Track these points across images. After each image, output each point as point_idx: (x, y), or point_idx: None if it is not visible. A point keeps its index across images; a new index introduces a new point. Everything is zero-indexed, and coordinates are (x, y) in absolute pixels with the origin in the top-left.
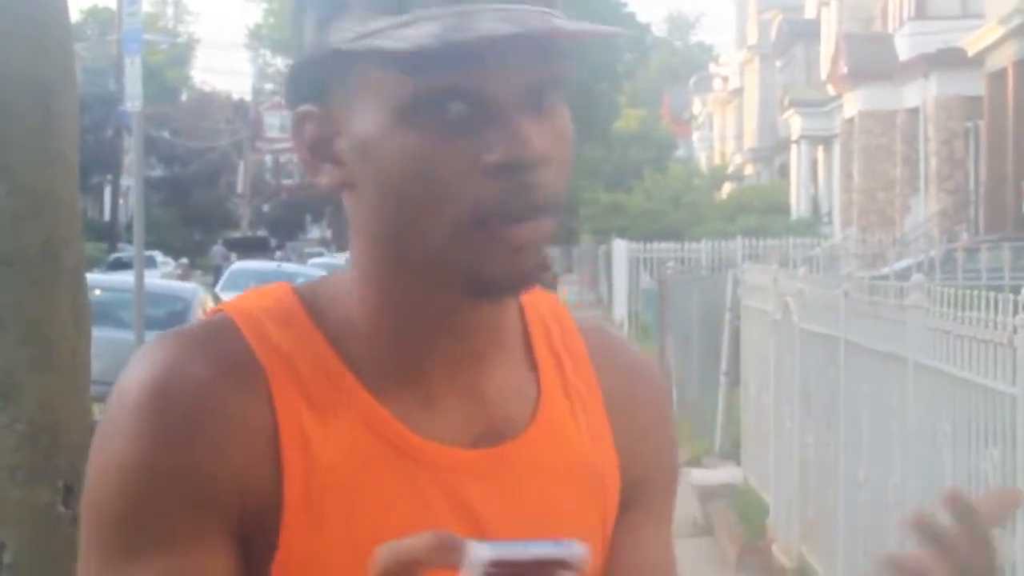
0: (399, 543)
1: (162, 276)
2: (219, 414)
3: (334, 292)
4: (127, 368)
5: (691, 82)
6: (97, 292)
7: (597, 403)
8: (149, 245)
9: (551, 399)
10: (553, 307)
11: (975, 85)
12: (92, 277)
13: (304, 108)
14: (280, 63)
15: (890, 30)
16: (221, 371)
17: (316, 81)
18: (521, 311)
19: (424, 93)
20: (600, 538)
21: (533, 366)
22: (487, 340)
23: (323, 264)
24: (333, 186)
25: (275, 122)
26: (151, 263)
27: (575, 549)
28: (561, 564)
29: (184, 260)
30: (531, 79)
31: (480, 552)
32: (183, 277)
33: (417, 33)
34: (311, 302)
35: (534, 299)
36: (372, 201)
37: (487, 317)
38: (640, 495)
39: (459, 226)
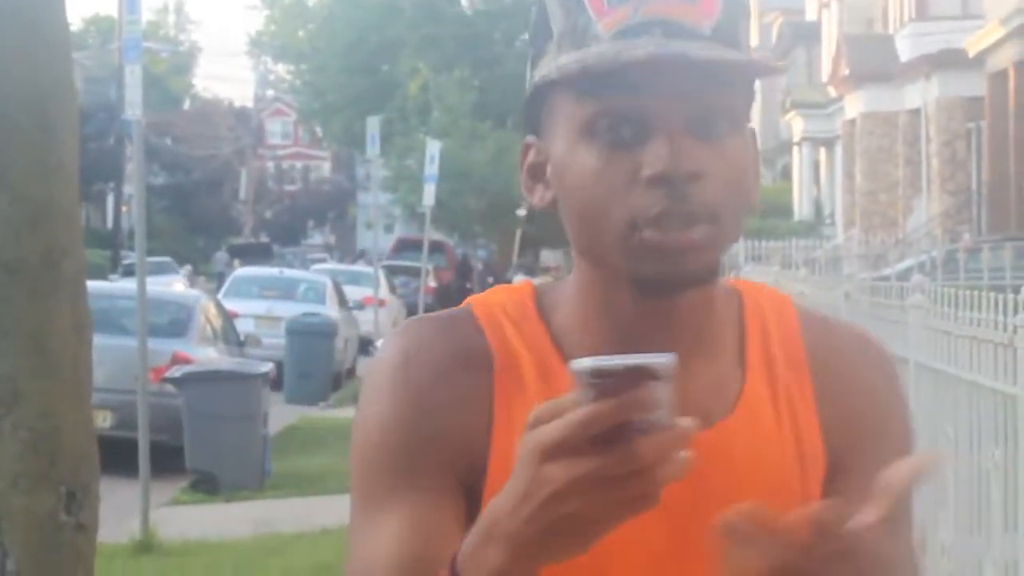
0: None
1: (187, 278)
2: (450, 388)
3: (561, 295)
4: (381, 345)
5: None
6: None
7: (807, 397)
8: (152, 252)
9: (753, 395)
10: (777, 303)
11: (976, 86)
12: (93, 284)
13: (528, 139)
14: (281, 70)
15: (891, 31)
16: (455, 354)
17: (532, 115)
18: (741, 308)
19: (595, 114)
20: None
21: (743, 363)
22: (689, 339)
23: (326, 270)
24: (542, 204)
25: (277, 129)
26: (171, 269)
27: (662, 359)
28: (651, 373)
29: (187, 267)
30: (695, 106)
31: (581, 364)
32: (187, 284)
33: (583, 57)
34: (543, 303)
35: (758, 295)
36: (566, 214)
37: (682, 316)
38: (851, 460)
39: (621, 233)
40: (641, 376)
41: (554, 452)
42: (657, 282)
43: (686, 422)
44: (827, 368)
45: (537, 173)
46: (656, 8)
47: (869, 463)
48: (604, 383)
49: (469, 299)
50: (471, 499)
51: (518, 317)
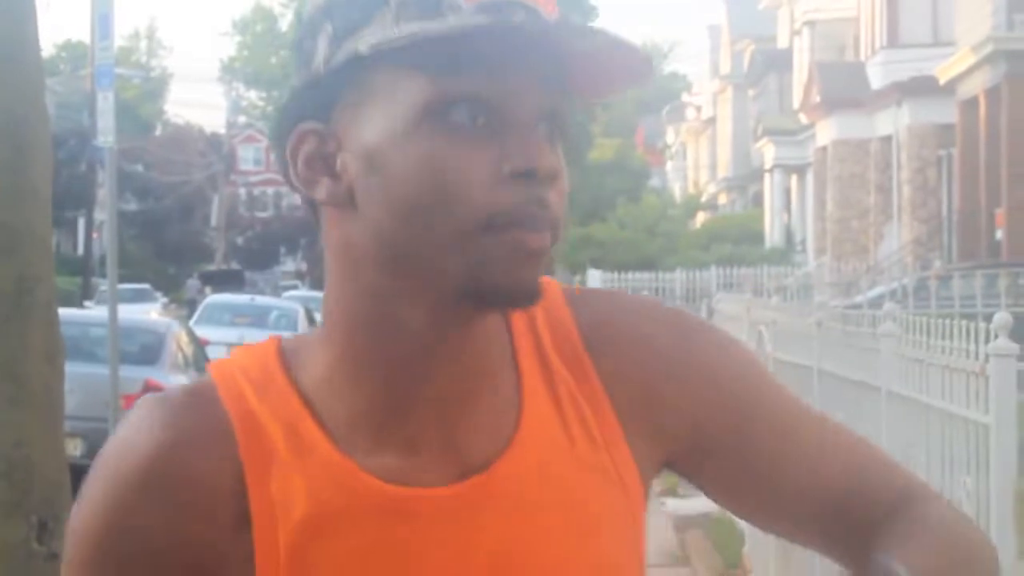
0: None
1: (162, 308)
2: (182, 480)
3: (310, 346)
4: (116, 431)
5: (664, 112)
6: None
7: (594, 393)
8: (123, 279)
9: (533, 419)
10: (547, 306)
11: (947, 113)
12: (65, 311)
13: (305, 126)
14: (254, 96)
15: (862, 58)
16: (190, 438)
17: (321, 99)
18: (508, 327)
19: (443, 95)
20: (631, 536)
21: (519, 385)
22: (468, 372)
23: (298, 297)
24: (330, 199)
25: (249, 155)
26: (150, 297)
27: None
28: None
29: (159, 294)
30: (548, 102)
31: None
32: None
33: (444, 25)
34: (290, 360)
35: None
36: (372, 213)
37: (474, 345)
38: (719, 431)
39: (468, 232)
40: None
41: None
42: (500, 289)
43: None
44: (607, 351)
45: (319, 165)
46: None
47: (715, 427)
48: None
49: (210, 365)
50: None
51: (263, 380)
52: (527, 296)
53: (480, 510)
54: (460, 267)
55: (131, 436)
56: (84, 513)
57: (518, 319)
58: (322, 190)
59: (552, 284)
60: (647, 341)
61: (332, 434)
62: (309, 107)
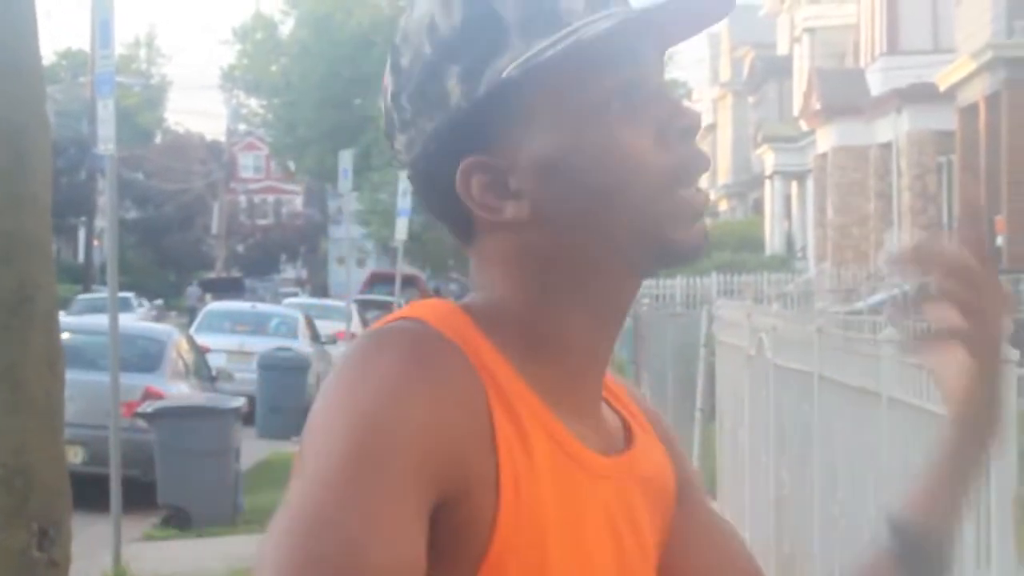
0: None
1: (139, 318)
2: (458, 405)
3: (493, 316)
4: (379, 341)
5: None
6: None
7: (646, 425)
8: (124, 287)
9: (629, 420)
10: None
11: (947, 120)
12: (65, 319)
13: (470, 160)
14: (254, 104)
15: (862, 65)
16: (459, 372)
17: (473, 132)
18: None
19: (606, 89)
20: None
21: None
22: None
23: (298, 304)
24: (520, 217)
25: (249, 163)
26: (126, 306)
27: None
28: None
29: (159, 301)
30: (663, 67)
31: None
32: (158, 318)
33: (601, 25)
34: (483, 327)
35: None
36: (556, 218)
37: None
38: (687, 492)
39: (659, 192)
40: None
41: None
42: (683, 246)
43: None
44: (633, 396)
45: (496, 191)
46: None
47: (688, 472)
48: None
49: (405, 314)
50: (470, 533)
51: (469, 338)
52: (701, 251)
53: (632, 478)
54: (651, 230)
55: (425, 354)
56: (404, 408)
57: None
58: (509, 212)
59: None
60: (655, 415)
61: (541, 398)
62: (462, 143)
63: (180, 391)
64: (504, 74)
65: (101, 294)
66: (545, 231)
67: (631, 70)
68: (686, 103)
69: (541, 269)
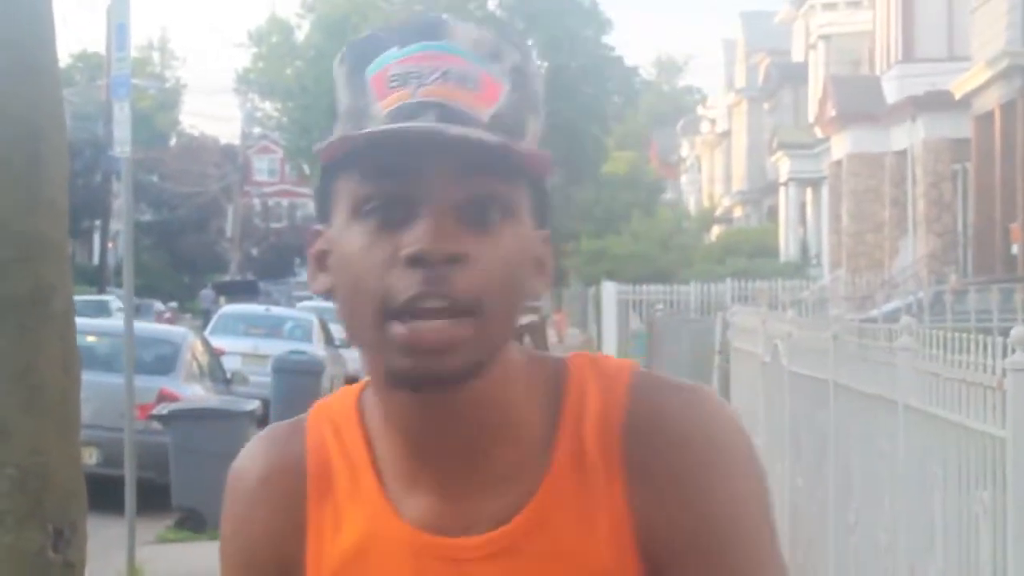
0: None
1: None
2: (268, 503)
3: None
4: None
5: (679, 125)
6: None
7: (613, 477)
8: (138, 290)
9: (555, 479)
10: (607, 377)
11: (962, 127)
12: (80, 321)
13: (315, 227)
14: (269, 107)
15: (878, 73)
16: (275, 473)
17: (322, 201)
18: (561, 388)
19: (366, 195)
20: None
21: (550, 453)
22: (478, 432)
23: (312, 307)
24: (320, 290)
25: (263, 166)
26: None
27: None
28: None
29: (173, 304)
30: (464, 191)
31: None
32: (172, 321)
33: (347, 135)
34: (364, 399)
35: (586, 370)
36: (338, 303)
37: (465, 409)
38: (681, 557)
39: (373, 321)
40: None
41: None
42: (412, 379)
43: None
44: (644, 457)
45: (322, 261)
46: (435, 90)
47: (702, 540)
48: None
49: (316, 403)
50: None
51: (341, 420)
52: (430, 384)
53: (506, 557)
54: (377, 353)
55: (238, 462)
56: (220, 521)
57: (573, 389)
58: (317, 283)
59: (626, 365)
60: (679, 446)
61: (384, 475)
62: (320, 209)
63: (195, 393)
64: (314, 151)
65: (86, 296)
66: (340, 316)
67: (397, 185)
68: (428, 229)
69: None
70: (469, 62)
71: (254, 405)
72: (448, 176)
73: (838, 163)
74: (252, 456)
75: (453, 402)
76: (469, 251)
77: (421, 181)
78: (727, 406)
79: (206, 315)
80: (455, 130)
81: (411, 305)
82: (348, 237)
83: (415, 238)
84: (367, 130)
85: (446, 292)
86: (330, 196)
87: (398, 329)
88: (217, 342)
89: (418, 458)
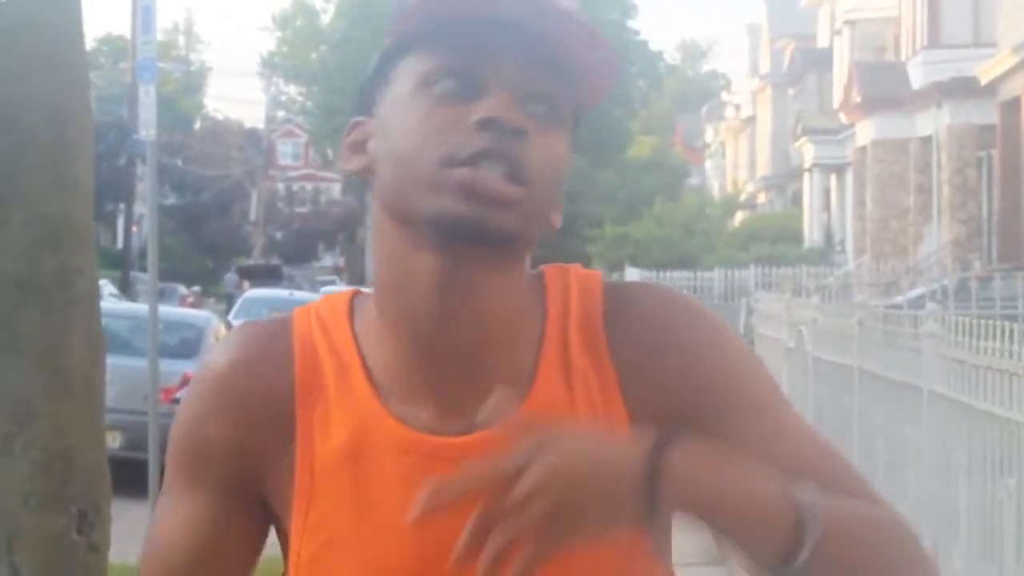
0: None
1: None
2: (252, 394)
3: (369, 298)
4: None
5: (704, 110)
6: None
7: (605, 377)
8: (162, 273)
9: (545, 384)
10: (583, 282)
11: (988, 114)
12: (105, 304)
13: (356, 118)
14: (293, 91)
15: (903, 59)
16: (260, 362)
17: (367, 97)
18: (543, 293)
19: (433, 68)
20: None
21: (538, 354)
22: (489, 325)
23: (335, 291)
24: (352, 168)
25: (288, 150)
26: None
27: None
28: None
29: (196, 288)
30: (528, 81)
31: None
32: (195, 304)
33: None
34: (354, 306)
35: (563, 277)
36: (381, 173)
37: (484, 295)
38: (710, 422)
39: (432, 169)
40: None
41: None
42: (464, 226)
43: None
44: (630, 343)
45: (356, 147)
46: None
47: (714, 428)
48: None
49: (296, 308)
50: (275, 497)
51: (330, 322)
52: (479, 233)
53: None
54: (426, 202)
55: (213, 354)
56: (176, 417)
57: (554, 292)
58: (351, 163)
59: (595, 273)
60: (655, 320)
61: (373, 379)
62: (361, 106)
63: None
64: (385, 45)
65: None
66: (378, 189)
67: (468, 62)
68: (502, 100)
69: (376, 243)
70: None
71: None
72: (522, 66)
73: (863, 149)
74: (229, 350)
75: (479, 284)
76: (531, 133)
77: (497, 63)
78: (675, 292)
79: (229, 299)
80: (562, 3)
81: (475, 159)
82: (409, 107)
83: (488, 106)
84: (452, 8)
85: (511, 156)
86: (384, 81)
87: (461, 171)
88: None
89: (417, 357)
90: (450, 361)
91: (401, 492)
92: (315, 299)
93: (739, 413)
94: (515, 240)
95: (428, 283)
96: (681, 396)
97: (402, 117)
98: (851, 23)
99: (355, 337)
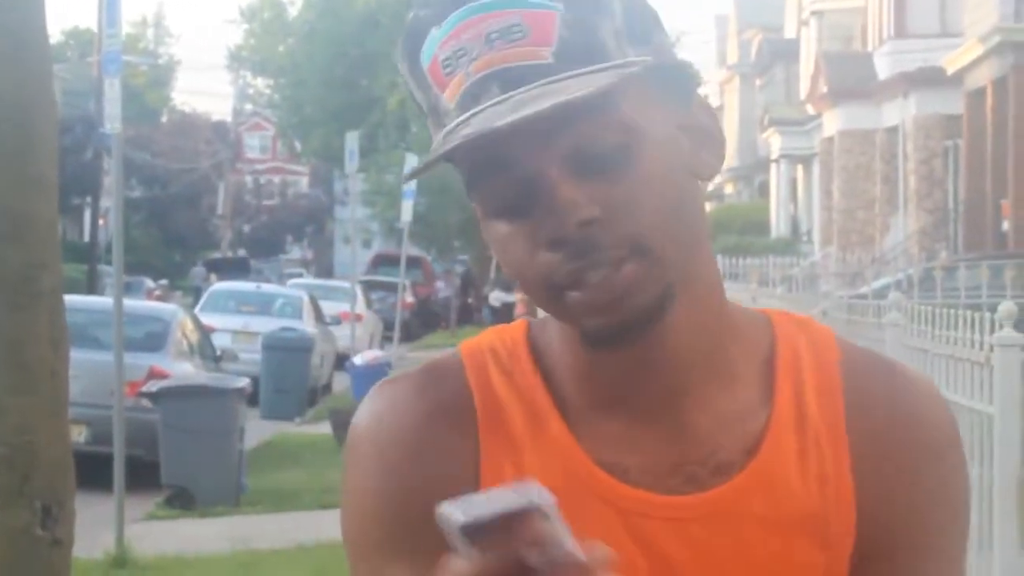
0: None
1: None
2: (431, 448)
3: (553, 331)
4: (359, 409)
5: None
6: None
7: (839, 443)
8: (129, 266)
9: (778, 435)
10: (817, 339)
11: (954, 104)
12: (69, 298)
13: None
14: (260, 84)
15: (869, 49)
16: (437, 412)
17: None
18: (772, 336)
19: (480, 193)
20: None
21: (771, 398)
22: (683, 370)
23: (303, 285)
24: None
25: (255, 143)
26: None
27: (540, 496)
28: (533, 514)
29: (163, 281)
30: (564, 147)
31: (449, 518)
32: (162, 298)
33: (438, 141)
34: (535, 342)
35: (791, 324)
36: None
37: (660, 350)
38: (887, 549)
39: (546, 297)
40: (526, 521)
41: None
42: (605, 334)
43: (598, 552)
44: (869, 427)
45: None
46: (487, 61)
47: (905, 526)
48: (483, 536)
49: (461, 344)
50: None
51: (509, 362)
52: (605, 341)
53: (717, 518)
54: (562, 319)
55: (385, 409)
56: (357, 482)
57: (783, 339)
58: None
59: (829, 335)
60: (902, 436)
61: (567, 413)
62: None
63: (184, 371)
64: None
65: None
66: None
67: (495, 174)
68: (562, 207)
69: None
70: (507, 10)
71: (244, 383)
72: (543, 142)
73: (829, 139)
74: (398, 400)
75: (649, 348)
76: (600, 204)
77: (520, 162)
78: (941, 395)
79: (197, 292)
80: (510, 117)
81: (564, 282)
82: (491, 231)
83: (543, 222)
84: (434, 153)
85: (599, 258)
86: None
87: (572, 296)
88: (207, 319)
89: (616, 406)
90: (649, 410)
91: (619, 555)
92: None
93: (914, 548)
94: (662, 304)
95: (603, 363)
96: (890, 510)
97: (490, 238)
98: (818, 14)
99: (541, 372)
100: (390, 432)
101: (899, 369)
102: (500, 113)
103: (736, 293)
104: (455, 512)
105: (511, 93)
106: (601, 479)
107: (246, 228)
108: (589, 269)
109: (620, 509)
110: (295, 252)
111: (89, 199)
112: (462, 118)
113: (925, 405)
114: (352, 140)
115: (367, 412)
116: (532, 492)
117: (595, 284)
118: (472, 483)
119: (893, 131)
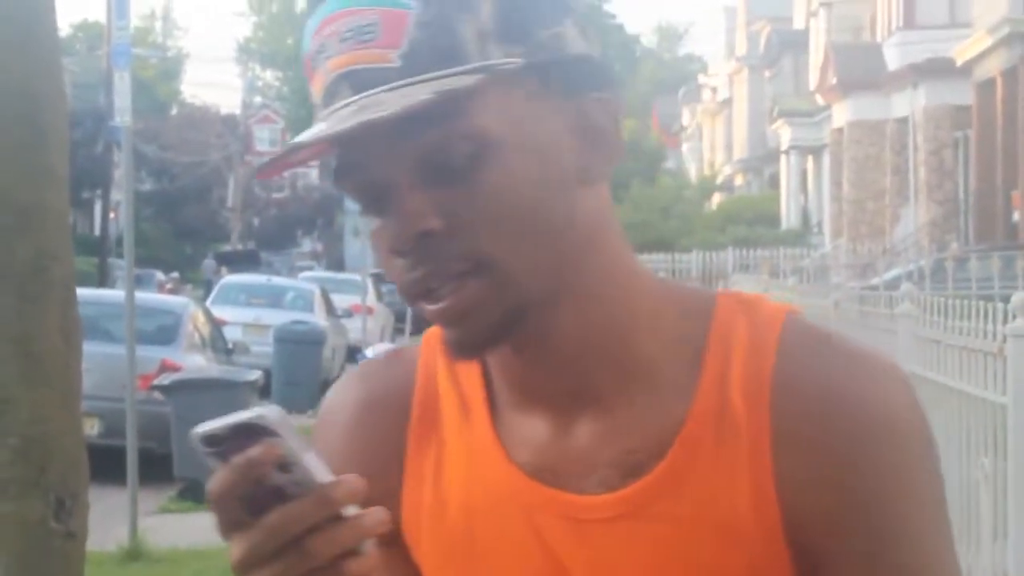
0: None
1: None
2: (361, 437)
3: None
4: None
5: (680, 93)
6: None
7: (759, 428)
8: (140, 259)
9: (693, 431)
10: (760, 319)
11: (964, 95)
12: (81, 291)
13: None
14: (270, 77)
15: (879, 40)
16: (372, 402)
17: None
18: (707, 328)
19: (342, 186)
20: None
21: (692, 394)
22: (596, 376)
23: (314, 277)
24: None
25: (264, 136)
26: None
27: (269, 411)
28: (262, 430)
29: (175, 274)
30: (418, 150)
31: (195, 432)
32: (174, 291)
33: (265, 167)
34: None
35: (734, 312)
36: None
37: (552, 357)
38: (834, 542)
39: (407, 298)
40: (254, 435)
41: (222, 531)
42: (455, 347)
43: (375, 515)
44: (797, 409)
45: None
46: (341, 61)
47: (856, 551)
48: (221, 450)
49: (428, 330)
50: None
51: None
52: (458, 352)
53: (629, 519)
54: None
55: (329, 395)
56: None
57: (720, 329)
58: None
59: (780, 313)
60: (837, 416)
61: (496, 409)
62: None
63: (196, 363)
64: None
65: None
66: None
67: (352, 175)
68: (405, 215)
69: None
70: (368, 8)
71: (255, 375)
72: (390, 148)
73: (839, 131)
74: (346, 388)
75: (542, 353)
76: (443, 215)
77: (371, 166)
78: (902, 377)
79: (208, 285)
80: (351, 122)
81: (410, 292)
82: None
83: (386, 231)
84: (287, 147)
85: (436, 271)
86: None
87: (424, 305)
88: (219, 312)
89: (536, 405)
90: (562, 403)
91: (517, 553)
92: (293, 285)
93: (888, 565)
94: (515, 319)
95: (504, 359)
96: (833, 514)
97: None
98: (827, 5)
99: (484, 367)
100: (331, 417)
101: (845, 349)
102: (343, 117)
103: (747, 285)
104: (200, 427)
105: (356, 97)
106: (513, 477)
107: (256, 221)
108: (432, 280)
109: (523, 505)
110: (305, 245)
111: (100, 192)
112: (321, 115)
113: (871, 388)
114: None
115: (327, 394)
116: (266, 410)
117: (442, 296)
118: (396, 476)
119: (903, 122)
